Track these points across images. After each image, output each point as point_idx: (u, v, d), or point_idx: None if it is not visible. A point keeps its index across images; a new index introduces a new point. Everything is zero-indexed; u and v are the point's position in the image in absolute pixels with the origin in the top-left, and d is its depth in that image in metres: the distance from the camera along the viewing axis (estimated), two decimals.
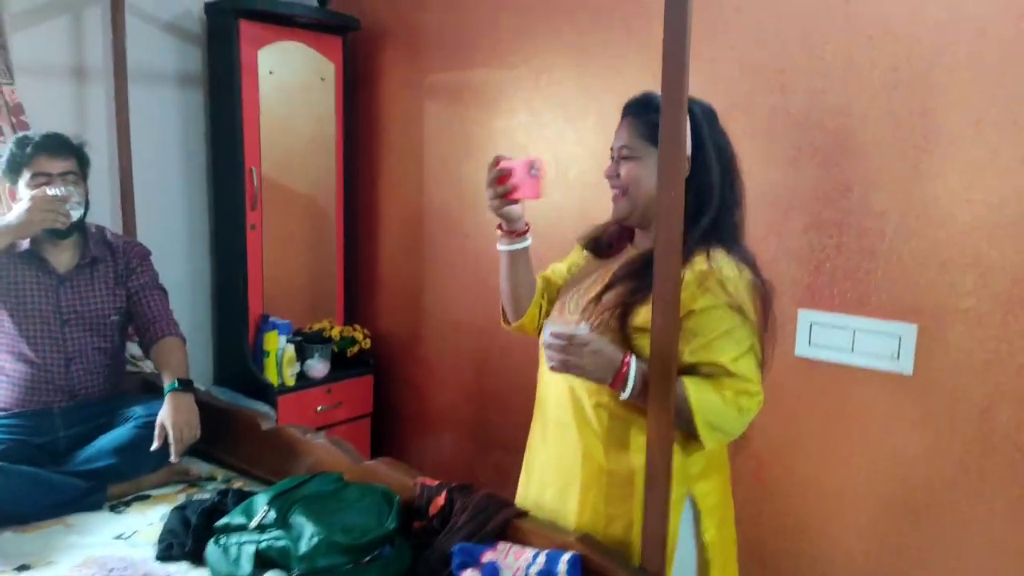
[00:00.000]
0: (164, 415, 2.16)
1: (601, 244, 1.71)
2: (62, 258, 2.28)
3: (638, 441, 1.47)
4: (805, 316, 2.29)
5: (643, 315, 1.43)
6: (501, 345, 3.09)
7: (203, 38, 3.11)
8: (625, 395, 1.41)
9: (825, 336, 2.26)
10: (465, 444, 3.33)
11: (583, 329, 1.43)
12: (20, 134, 2.27)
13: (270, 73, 3.08)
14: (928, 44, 2.02)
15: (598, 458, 1.52)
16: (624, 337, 1.45)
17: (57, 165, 2.20)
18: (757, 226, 2.05)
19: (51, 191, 2.12)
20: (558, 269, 1.81)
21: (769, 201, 2.30)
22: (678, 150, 1.23)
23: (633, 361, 1.41)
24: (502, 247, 1.69)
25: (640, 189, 1.52)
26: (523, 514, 1.65)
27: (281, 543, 1.61)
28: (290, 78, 3.19)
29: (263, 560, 1.62)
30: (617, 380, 1.41)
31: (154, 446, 2.12)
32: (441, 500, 1.74)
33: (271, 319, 3.21)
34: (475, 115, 3.07)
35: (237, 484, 2.26)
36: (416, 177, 3.35)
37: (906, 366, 2.13)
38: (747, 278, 1.44)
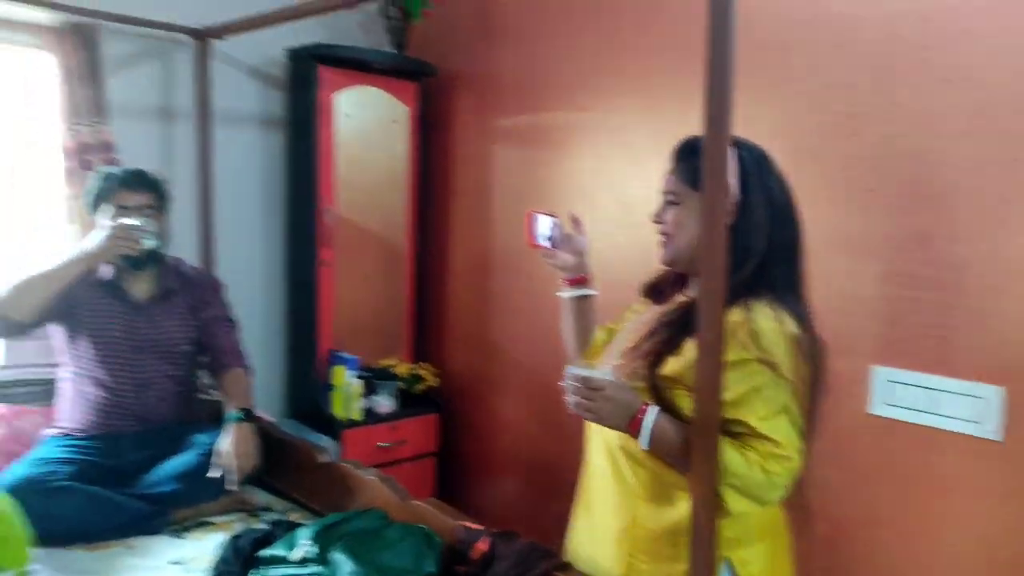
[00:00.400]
0: (222, 444, 2.23)
1: (657, 290, 1.67)
2: (140, 288, 2.40)
3: (678, 497, 1.41)
4: (879, 373, 2.17)
5: (671, 365, 1.38)
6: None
7: (285, 82, 3.26)
8: (642, 444, 1.36)
9: (902, 394, 2.13)
10: (527, 489, 3.28)
11: (604, 373, 1.39)
12: (105, 169, 2.41)
13: (347, 116, 3.19)
14: (1014, 90, 1.91)
15: (634, 512, 1.47)
16: (653, 387, 1.40)
17: (136, 199, 2.32)
18: (827, 275, 1.96)
19: (126, 220, 2.24)
20: (625, 317, 1.78)
21: (840, 249, 2.21)
22: (719, 194, 1.19)
23: (651, 410, 1.36)
24: (561, 294, 1.70)
25: (683, 234, 1.49)
26: (565, 566, 1.60)
27: None
28: (366, 121, 3.30)
29: None
30: (632, 427, 1.36)
31: (210, 473, 2.17)
32: (483, 546, 1.71)
33: (339, 354, 3.28)
34: (543, 157, 3.09)
35: (293, 516, 2.29)
36: (484, 217, 3.38)
37: (993, 431, 1.97)
38: (789, 331, 1.36)
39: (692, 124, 2.59)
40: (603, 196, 2.85)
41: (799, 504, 1.48)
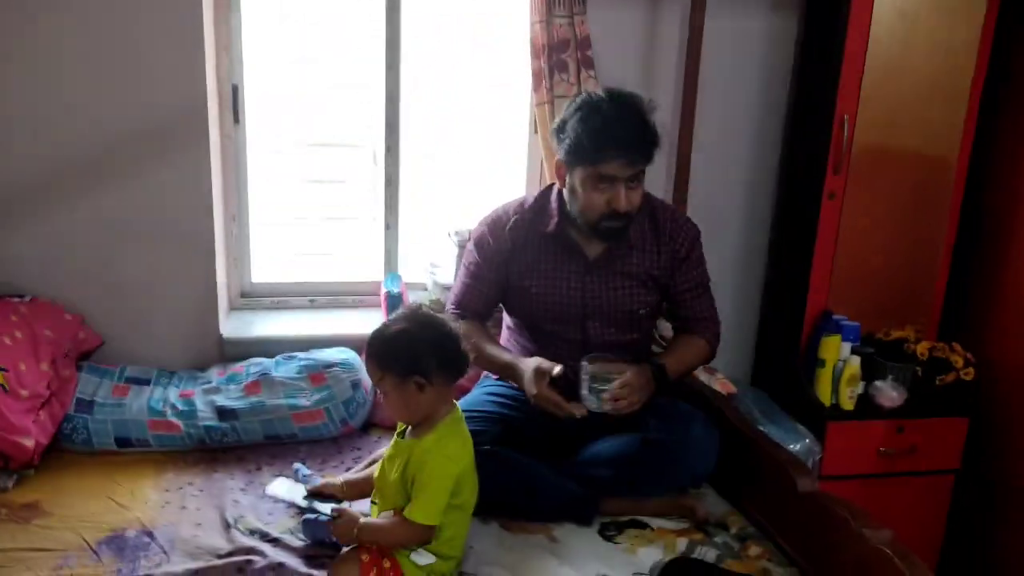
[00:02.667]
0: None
1: None
2: (593, 242, 1.90)
3: None
4: None
5: None
6: None
7: None
8: None
9: None
10: None
11: None
12: (587, 103, 1.79)
13: None
14: None
15: None
16: None
17: (628, 169, 1.76)
18: None
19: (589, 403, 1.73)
20: None
21: None
22: None
23: None
24: None
25: None
26: None
27: None
28: None
29: None
30: None
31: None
32: None
33: (835, 318, 2.46)
34: None
35: (753, 549, 1.67)
36: None
37: None
38: None
39: None
40: None
41: None
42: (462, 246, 2.38)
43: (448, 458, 1.49)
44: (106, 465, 1.89)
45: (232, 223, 2.42)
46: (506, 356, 1.89)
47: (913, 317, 2.60)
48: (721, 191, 2.54)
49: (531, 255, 1.91)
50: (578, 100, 1.82)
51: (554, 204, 1.91)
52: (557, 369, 1.73)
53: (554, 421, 1.84)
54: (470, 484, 1.56)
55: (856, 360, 2.41)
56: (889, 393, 2.43)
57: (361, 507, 1.64)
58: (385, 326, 1.53)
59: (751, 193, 2.63)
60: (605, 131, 1.73)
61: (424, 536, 1.48)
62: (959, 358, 2.48)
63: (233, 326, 2.37)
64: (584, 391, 1.73)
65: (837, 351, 2.41)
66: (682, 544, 1.71)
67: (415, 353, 1.47)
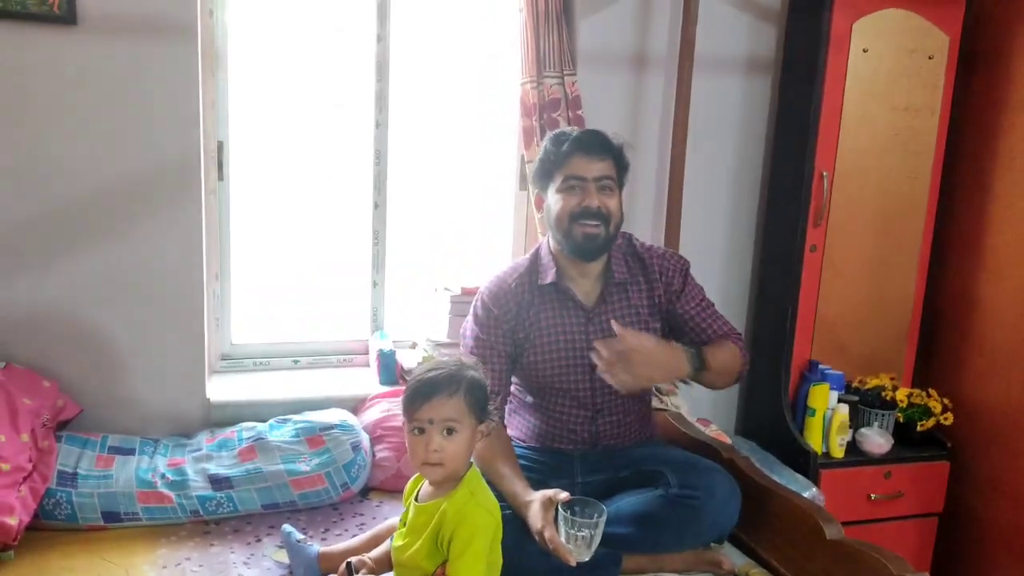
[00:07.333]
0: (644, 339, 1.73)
1: None
2: (586, 286, 1.89)
3: None
4: None
5: None
6: None
7: (782, 13, 2.53)
8: None
9: None
10: None
11: None
12: (556, 131, 1.93)
13: (864, 51, 2.37)
14: None
15: None
16: None
17: (593, 168, 1.80)
18: None
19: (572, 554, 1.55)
20: None
21: None
22: None
23: None
24: None
25: None
26: None
27: None
28: (886, 57, 2.43)
29: None
30: None
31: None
32: None
33: (821, 368, 2.52)
34: None
35: None
36: None
37: None
38: None
39: None
40: None
41: None
42: (454, 302, 2.36)
43: (488, 511, 1.44)
44: (93, 542, 1.75)
45: (215, 282, 2.34)
46: (514, 485, 1.70)
47: (887, 365, 2.67)
48: (704, 245, 2.59)
49: (534, 313, 1.88)
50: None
51: (546, 256, 1.90)
52: (563, 495, 1.58)
53: (568, 477, 1.81)
54: (498, 542, 1.51)
55: (845, 408, 2.46)
56: (876, 440, 2.48)
57: None
58: (461, 367, 1.46)
59: (735, 242, 2.69)
60: (568, 138, 1.82)
61: None
62: (937, 404, 2.56)
63: (218, 389, 2.26)
64: (565, 541, 1.55)
65: (826, 400, 2.46)
66: None
67: (487, 400, 1.44)
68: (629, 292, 1.90)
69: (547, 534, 1.55)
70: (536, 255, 1.94)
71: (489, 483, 1.67)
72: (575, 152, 1.81)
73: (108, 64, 1.99)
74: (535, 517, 1.58)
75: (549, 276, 1.87)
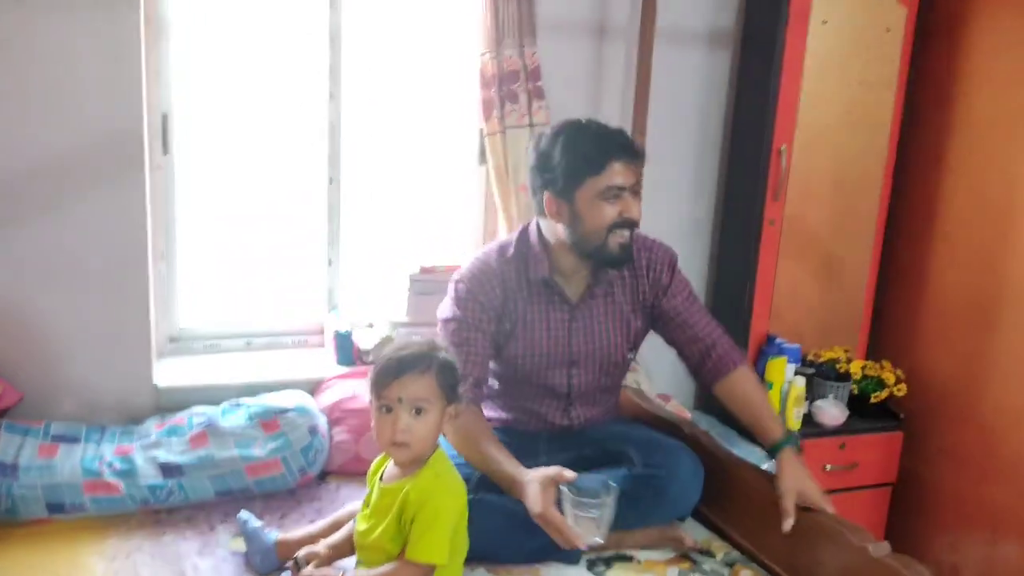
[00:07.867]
0: (788, 483, 1.66)
1: None
2: (575, 282, 1.84)
3: None
4: None
5: None
6: None
7: None
8: None
9: None
10: None
11: None
12: (572, 126, 1.73)
13: (823, 23, 2.36)
14: None
15: None
16: None
17: (631, 175, 1.71)
18: None
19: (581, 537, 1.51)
20: None
21: None
22: None
23: None
24: None
25: None
26: None
27: None
28: (845, 30, 2.44)
29: None
30: None
31: (786, 526, 1.62)
32: None
33: (778, 341, 2.54)
34: None
35: (743, 573, 1.67)
36: (1006, 165, 2.35)
37: None
38: None
39: None
40: None
41: None
42: (414, 280, 2.31)
43: (452, 494, 1.41)
44: (36, 536, 1.68)
45: (160, 262, 2.24)
46: (507, 467, 1.63)
47: (843, 337, 2.71)
48: (663, 219, 2.55)
49: (522, 305, 1.80)
50: (550, 131, 1.76)
51: (537, 247, 1.80)
52: (568, 474, 1.53)
53: (533, 457, 1.79)
54: (463, 526, 1.48)
55: (801, 381, 2.48)
56: (832, 411, 2.52)
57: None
58: (433, 346, 1.41)
59: (692, 220, 2.68)
60: (606, 138, 1.70)
61: None
62: (891, 375, 2.61)
63: (167, 374, 2.18)
64: (573, 524, 1.51)
65: (783, 373, 2.48)
66: (672, 573, 1.69)
67: (457, 382, 1.41)
68: (614, 288, 1.85)
69: (550, 516, 1.50)
70: (524, 242, 1.83)
71: (476, 466, 1.67)
72: (616, 159, 1.68)
73: (43, 32, 1.88)
74: (534, 499, 1.52)
75: (541, 270, 1.79)
